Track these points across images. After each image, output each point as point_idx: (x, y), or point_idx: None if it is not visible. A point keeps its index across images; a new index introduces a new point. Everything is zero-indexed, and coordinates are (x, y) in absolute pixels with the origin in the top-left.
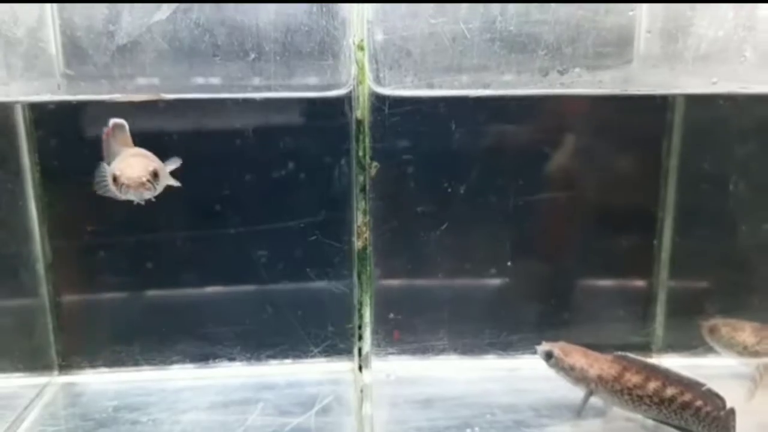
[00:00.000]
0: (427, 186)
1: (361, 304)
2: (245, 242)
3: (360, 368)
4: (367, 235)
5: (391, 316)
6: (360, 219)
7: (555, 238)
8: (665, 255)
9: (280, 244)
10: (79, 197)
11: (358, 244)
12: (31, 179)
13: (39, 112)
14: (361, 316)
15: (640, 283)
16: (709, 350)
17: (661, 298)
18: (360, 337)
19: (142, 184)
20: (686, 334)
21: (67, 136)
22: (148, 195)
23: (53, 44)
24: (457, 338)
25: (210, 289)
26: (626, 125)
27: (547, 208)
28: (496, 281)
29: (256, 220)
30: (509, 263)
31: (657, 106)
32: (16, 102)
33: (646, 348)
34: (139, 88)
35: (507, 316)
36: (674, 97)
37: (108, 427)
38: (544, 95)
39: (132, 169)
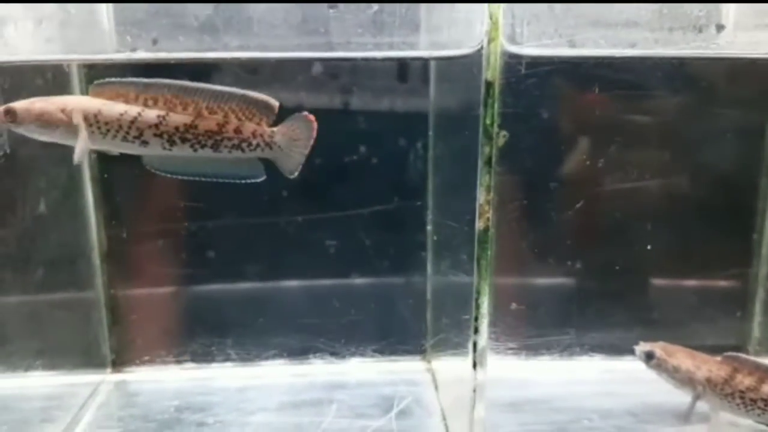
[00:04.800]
0: (560, 159)
1: (479, 293)
2: (317, 228)
3: (474, 365)
4: (489, 214)
5: (514, 306)
6: (483, 197)
7: (654, 228)
8: (765, 250)
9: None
10: (137, 182)
11: (479, 224)
12: (88, 161)
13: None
14: (478, 307)
15: (737, 279)
16: None
17: (760, 296)
18: (476, 330)
19: None
20: None
21: None
22: None
23: None
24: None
25: (277, 281)
26: (728, 110)
27: (662, 193)
28: (604, 272)
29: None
30: (649, 247)
31: (761, 87)
32: (72, 60)
33: (741, 349)
34: (243, 47)
35: (598, 314)
36: None
37: (173, 429)
38: (695, 57)
39: None
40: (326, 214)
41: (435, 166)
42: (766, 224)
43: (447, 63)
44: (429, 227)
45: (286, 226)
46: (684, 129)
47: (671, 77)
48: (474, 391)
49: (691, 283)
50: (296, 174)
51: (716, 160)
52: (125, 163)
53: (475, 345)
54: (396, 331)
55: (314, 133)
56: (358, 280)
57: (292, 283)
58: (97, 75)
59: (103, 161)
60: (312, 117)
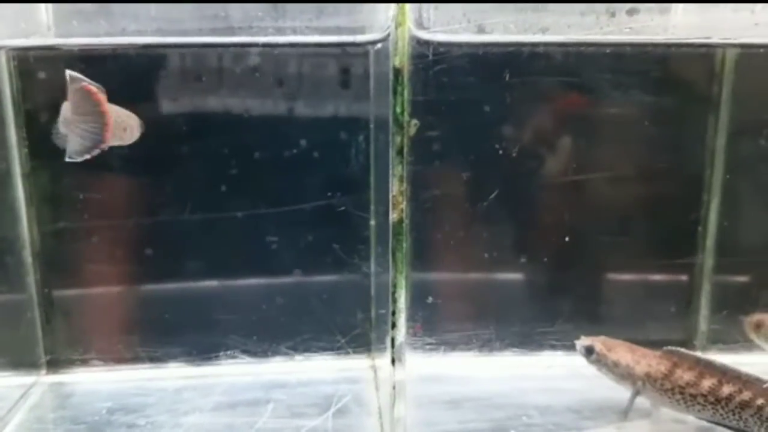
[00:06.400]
0: (472, 148)
1: (395, 286)
2: (255, 225)
3: (393, 361)
4: (403, 206)
5: (430, 300)
6: (396, 187)
7: (592, 220)
8: (710, 242)
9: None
10: (72, 176)
11: (393, 216)
12: (18, 154)
13: (26, 75)
14: (395, 301)
15: (682, 272)
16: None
17: (706, 288)
18: (393, 325)
19: None
20: (733, 328)
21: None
22: None
23: None
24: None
25: (220, 279)
26: (671, 99)
27: (597, 184)
28: (539, 265)
29: (273, 199)
30: (567, 239)
31: (704, 76)
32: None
33: (687, 344)
34: (141, 32)
35: (538, 308)
36: (723, 64)
37: (101, 431)
38: (608, 43)
39: None
40: (268, 210)
41: (376, 160)
42: (711, 217)
43: (383, 51)
44: (372, 222)
45: (227, 222)
46: (615, 115)
47: (595, 63)
48: (393, 387)
49: (634, 276)
50: (85, 157)
51: (657, 151)
52: (59, 158)
53: (393, 341)
54: (340, 329)
55: (102, 107)
56: (301, 277)
57: (235, 281)
58: (27, 68)
59: (35, 155)
60: (92, 87)
